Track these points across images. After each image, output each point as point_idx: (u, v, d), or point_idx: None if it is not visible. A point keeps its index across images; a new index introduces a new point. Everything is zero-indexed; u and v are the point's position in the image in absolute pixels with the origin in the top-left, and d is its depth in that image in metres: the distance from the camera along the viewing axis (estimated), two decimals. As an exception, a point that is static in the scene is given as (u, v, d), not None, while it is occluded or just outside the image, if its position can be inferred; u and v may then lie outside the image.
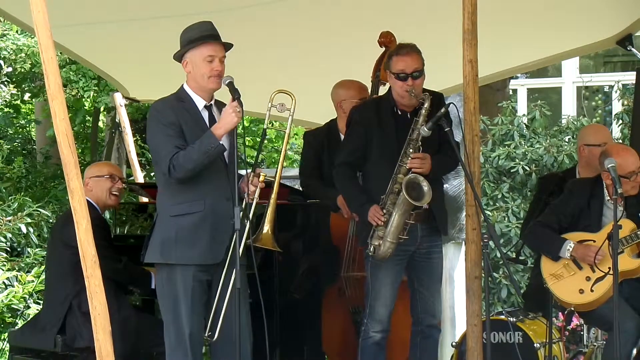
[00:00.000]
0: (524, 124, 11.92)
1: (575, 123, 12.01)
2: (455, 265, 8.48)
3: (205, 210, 5.52)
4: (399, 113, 6.15)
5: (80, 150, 16.68)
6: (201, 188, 5.53)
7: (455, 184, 7.99)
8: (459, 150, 5.94)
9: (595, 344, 7.19)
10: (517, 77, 15.68)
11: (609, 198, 6.31)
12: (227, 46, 5.65)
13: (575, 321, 8.48)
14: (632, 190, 6.23)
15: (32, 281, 9.89)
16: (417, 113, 6.04)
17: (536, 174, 11.06)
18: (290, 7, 7.59)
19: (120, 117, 11.00)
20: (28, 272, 10.24)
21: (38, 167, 15.20)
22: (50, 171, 14.51)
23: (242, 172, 5.57)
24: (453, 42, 6.17)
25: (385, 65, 6.17)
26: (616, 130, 12.43)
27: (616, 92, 13.11)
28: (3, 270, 10.17)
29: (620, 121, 12.14)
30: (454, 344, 7.24)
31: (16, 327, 8.35)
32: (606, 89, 16.22)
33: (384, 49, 7.14)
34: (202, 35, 5.57)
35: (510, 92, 14.58)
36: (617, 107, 13.94)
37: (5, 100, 15.46)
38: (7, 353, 7.08)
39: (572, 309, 6.47)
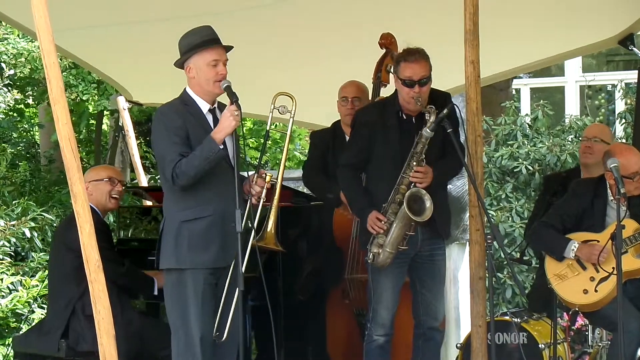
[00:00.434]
0: (527, 123, 11.92)
1: (578, 122, 11.99)
2: (460, 266, 8.47)
3: (214, 214, 5.54)
4: (404, 117, 6.13)
5: (84, 154, 16.69)
6: (208, 192, 5.55)
7: (458, 185, 7.98)
8: (464, 153, 5.92)
9: (600, 344, 7.19)
10: (520, 77, 15.67)
11: (612, 198, 6.30)
12: (227, 48, 5.65)
13: (580, 321, 8.47)
14: (635, 191, 6.22)
15: (37, 286, 9.89)
16: (422, 119, 6.01)
17: (539, 173, 11.06)
18: (292, 8, 7.59)
19: (124, 120, 11.00)
20: (32, 276, 10.24)
21: (42, 171, 15.20)
22: (54, 175, 14.51)
23: (244, 173, 5.58)
24: (455, 43, 6.17)
25: (393, 69, 6.14)
26: (619, 130, 12.42)
27: (619, 91, 13.10)
28: (7, 274, 10.17)
29: (623, 120, 12.13)
30: (458, 345, 7.24)
31: (20, 332, 8.35)
32: (609, 88, 16.22)
33: (384, 50, 7.14)
34: (204, 40, 5.58)
35: (514, 92, 14.59)
36: (620, 106, 13.93)
37: (9, 105, 15.47)
38: (12, 358, 7.08)
39: (577, 309, 6.47)
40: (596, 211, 6.38)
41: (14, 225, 10.70)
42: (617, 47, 8.27)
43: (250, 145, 17.18)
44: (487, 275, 5.91)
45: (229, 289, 5.53)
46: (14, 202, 11.85)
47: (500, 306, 10.20)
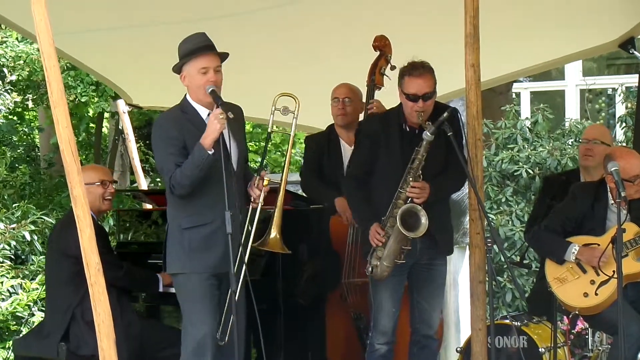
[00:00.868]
0: (527, 127, 11.91)
1: (578, 126, 11.99)
2: (460, 269, 8.48)
3: (216, 220, 5.54)
4: (407, 129, 6.12)
5: (83, 157, 16.68)
6: (209, 198, 5.57)
7: (459, 188, 7.98)
8: (467, 163, 5.89)
9: (600, 347, 7.18)
10: (520, 81, 15.67)
11: (613, 202, 6.30)
12: (224, 56, 5.65)
13: (580, 325, 8.47)
14: (636, 194, 6.22)
15: (37, 289, 9.88)
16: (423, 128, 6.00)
17: (540, 177, 11.05)
18: (294, 11, 7.60)
19: (124, 124, 11.01)
20: (32, 279, 10.22)
21: (42, 174, 15.19)
22: (54, 179, 14.50)
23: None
24: (455, 46, 6.17)
25: (398, 83, 6.13)
26: (619, 133, 12.42)
27: (619, 95, 13.10)
28: (7, 278, 10.15)
29: (624, 124, 12.12)
30: (458, 349, 7.23)
31: (20, 335, 8.34)
32: (609, 91, 16.22)
33: (378, 52, 7.15)
34: (195, 47, 5.59)
35: (514, 96, 14.59)
36: (620, 109, 13.92)
37: (9, 108, 15.46)
38: (12, 361, 7.08)
39: (577, 312, 6.46)
40: (597, 215, 6.38)
41: (13, 229, 10.69)
42: (617, 51, 8.27)
43: (250, 149, 17.18)
44: (487, 278, 5.90)
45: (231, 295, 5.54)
46: (13, 205, 11.83)
47: (500, 310, 10.20)
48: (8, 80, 14.27)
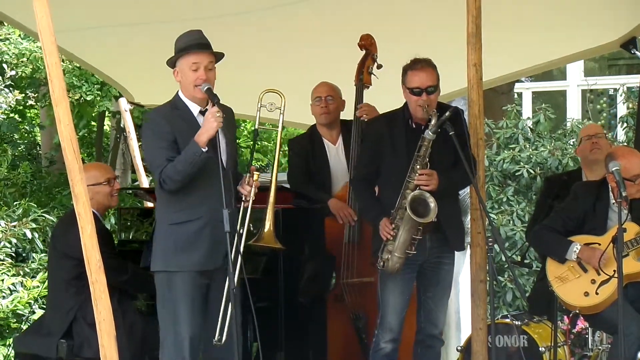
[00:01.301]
0: (529, 127, 11.92)
1: (580, 126, 11.99)
2: (460, 269, 8.48)
3: (204, 216, 5.54)
4: (413, 126, 6.10)
5: (85, 155, 16.69)
6: (198, 195, 5.55)
7: (460, 188, 7.98)
8: (473, 163, 5.88)
9: (600, 347, 7.18)
10: (522, 81, 15.67)
11: (614, 201, 6.30)
12: (219, 56, 5.65)
13: (581, 324, 8.47)
14: (637, 194, 6.22)
15: (37, 287, 9.89)
16: (427, 126, 6.00)
17: (541, 177, 11.05)
18: (298, 10, 7.61)
19: (125, 122, 11.00)
20: (33, 277, 10.24)
21: (43, 172, 15.21)
22: (55, 177, 14.52)
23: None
24: (457, 46, 6.17)
25: (401, 80, 6.13)
26: (621, 134, 12.43)
27: (621, 95, 13.11)
28: (8, 275, 10.16)
29: (625, 124, 12.14)
30: (459, 347, 7.23)
31: (21, 332, 8.34)
32: (611, 92, 16.22)
33: (364, 51, 7.15)
34: (188, 44, 5.59)
35: (515, 96, 14.59)
36: (622, 110, 13.93)
37: (10, 106, 15.48)
38: (13, 359, 7.07)
39: (577, 311, 6.47)
40: (598, 214, 6.38)
41: (15, 226, 10.70)
42: (619, 51, 8.28)
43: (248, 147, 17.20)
44: (487, 278, 5.90)
45: (222, 291, 5.51)
46: (15, 203, 11.85)
47: (500, 309, 10.20)
48: (8, 76, 14.28)
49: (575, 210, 6.43)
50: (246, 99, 6.28)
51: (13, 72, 14.53)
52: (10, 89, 15.25)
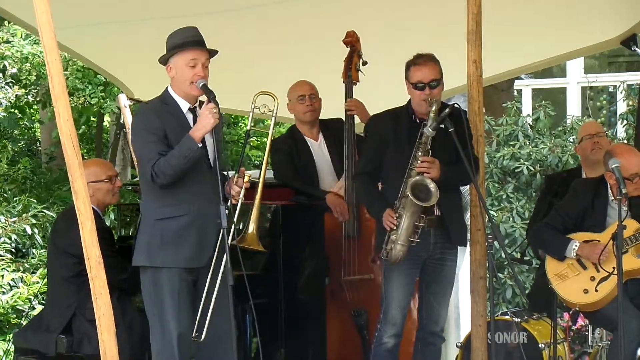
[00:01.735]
0: (529, 124, 11.92)
1: (580, 123, 12.00)
2: (460, 265, 8.48)
3: (191, 213, 5.52)
4: (417, 122, 6.10)
5: (85, 151, 16.68)
6: (186, 191, 5.52)
7: (459, 184, 7.99)
8: (472, 161, 5.88)
9: (600, 344, 7.18)
10: (522, 78, 15.67)
11: (613, 198, 6.30)
12: (212, 53, 5.64)
13: (580, 321, 8.47)
14: (635, 192, 6.21)
15: (37, 282, 9.89)
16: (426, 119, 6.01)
17: (541, 174, 11.06)
18: (295, 7, 7.61)
19: (125, 118, 10.98)
20: (33, 273, 10.24)
21: (43, 168, 15.21)
22: (55, 172, 14.52)
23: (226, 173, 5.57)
24: (457, 43, 6.18)
25: (404, 75, 6.14)
26: (621, 131, 12.44)
27: (621, 92, 13.11)
28: (8, 271, 10.17)
29: (625, 121, 12.14)
30: (458, 344, 7.24)
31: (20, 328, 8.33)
32: (611, 89, 16.22)
33: (349, 48, 7.16)
34: (185, 41, 5.57)
35: (515, 93, 14.59)
36: (622, 107, 13.93)
37: (10, 102, 15.47)
38: (13, 354, 7.07)
39: (577, 309, 6.47)
40: (597, 211, 6.38)
41: (14, 222, 10.70)
42: (619, 48, 8.28)
43: (252, 145, 17.18)
44: (487, 275, 5.91)
45: (210, 288, 5.49)
46: (14, 199, 11.85)
47: (500, 306, 10.20)
48: (9, 74, 14.28)
49: (574, 207, 6.44)
50: (240, 95, 6.29)
51: (14, 70, 14.51)
52: (11, 84, 15.24)
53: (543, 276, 6.54)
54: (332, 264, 6.95)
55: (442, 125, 5.87)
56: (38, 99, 15.40)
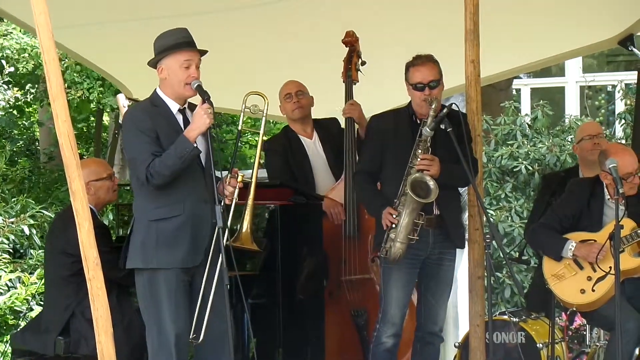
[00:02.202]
0: (527, 123, 11.93)
1: (578, 123, 11.99)
2: (459, 265, 8.48)
3: (184, 213, 5.51)
4: (417, 122, 6.10)
5: (84, 150, 16.68)
6: (179, 191, 5.51)
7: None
8: (470, 162, 5.88)
9: (597, 344, 7.19)
10: (520, 77, 15.67)
11: (609, 197, 6.31)
12: (202, 52, 5.64)
13: (578, 321, 8.48)
14: (630, 191, 6.22)
15: (35, 283, 9.88)
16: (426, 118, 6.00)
17: (539, 173, 11.07)
18: (289, 6, 7.62)
19: (123, 118, 10.99)
20: (31, 273, 10.22)
21: (41, 168, 15.20)
22: (53, 173, 14.51)
23: (220, 173, 5.56)
24: (455, 42, 6.18)
25: (404, 77, 6.14)
26: (619, 130, 12.43)
27: (619, 91, 13.10)
28: (5, 272, 10.15)
29: (623, 121, 12.14)
30: (457, 344, 7.24)
31: (18, 329, 8.32)
32: (609, 88, 16.22)
33: (348, 48, 7.16)
34: (178, 42, 5.57)
35: (514, 92, 14.59)
36: (620, 106, 13.93)
37: (9, 102, 15.47)
38: (10, 355, 7.06)
39: (574, 309, 6.47)
40: (593, 211, 6.39)
41: (12, 223, 10.69)
42: (617, 48, 8.28)
43: (251, 144, 17.19)
44: (485, 274, 5.91)
45: (206, 288, 5.49)
46: (12, 199, 11.84)
47: (498, 305, 10.21)
48: (7, 72, 14.27)
49: (571, 207, 6.44)
50: (241, 95, 6.29)
51: (12, 69, 14.51)
52: (9, 85, 15.23)
53: (541, 276, 6.54)
54: (331, 264, 6.95)
55: (442, 126, 5.88)
56: (36, 96, 15.40)
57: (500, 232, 10.45)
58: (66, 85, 13.78)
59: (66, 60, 13.82)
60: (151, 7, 7.53)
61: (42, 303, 9.14)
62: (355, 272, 6.86)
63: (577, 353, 7.94)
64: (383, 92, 7.71)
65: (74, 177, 4.91)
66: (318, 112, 7.39)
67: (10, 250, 10.70)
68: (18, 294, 9.84)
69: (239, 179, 5.55)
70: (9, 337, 7.92)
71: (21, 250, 10.99)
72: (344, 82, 7.17)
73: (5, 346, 8.40)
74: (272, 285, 6.62)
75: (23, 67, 14.63)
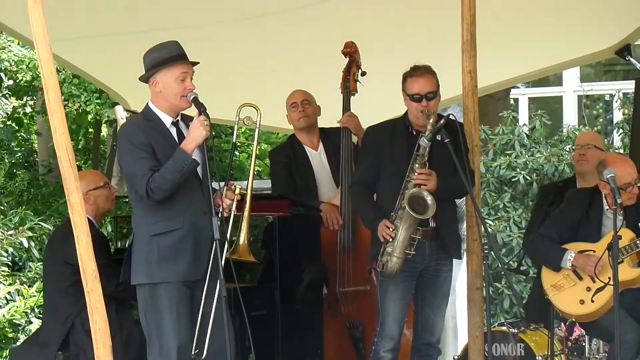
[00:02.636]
0: (525, 133, 11.93)
1: (576, 132, 12.01)
2: (457, 275, 8.47)
3: (185, 226, 5.51)
4: (414, 133, 6.11)
5: (82, 162, 16.68)
6: (178, 204, 5.51)
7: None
8: (464, 166, 5.88)
9: (597, 356, 7.17)
10: (518, 87, 15.68)
11: (608, 208, 6.31)
12: (194, 64, 5.66)
13: (578, 332, 8.46)
14: (628, 201, 6.22)
15: (34, 296, 9.87)
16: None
17: (537, 183, 11.07)
18: (294, 16, 7.63)
19: (121, 130, 10.99)
20: (30, 286, 10.22)
21: (40, 180, 15.21)
22: (52, 185, 14.51)
23: (215, 184, 5.56)
24: (453, 53, 6.18)
25: (401, 87, 6.14)
26: (617, 139, 12.44)
27: (617, 101, 13.11)
28: (4, 284, 10.15)
29: (621, 130, 12.15)
30: (456, 357, 7.23)
31: (17, 343, 8.32)
32: (607, 97, 16.23)
33: (348, 58, 7.16)
34: (172, 55, 5.58)
35: (512, 102, 14.60)
36: (617, 115, 13.94)
37: (7, 113, 15.47)
38: (9, 370, 7.06)
39: (574, 319, 6.46)
40: (592, 221, 6.38)
41: (11, 235, 10.69)
42: (615, 57, 8.29)
43: (249, 153, 17.19)
44: (484, 285, 5.90)
45: (207, 301, 5.50)
46: (11, 211, 11.84)
47: (498, 316, 10.20)
48: (5, 85, 14.28)
49: (569, 217, 6.44)
50: (230, 106, 6.30)
51: (10, 82, 14.52)
52: (7, 96, 15.24)
53: (540, 286, 6.54)
54: (330, 276, 6.95)
55: (438, 137, 5.88)
56: (37, 109, 15.40)
57: (498, 242, 10.45)
58: (63, 97, 13.78)
59: (63, 72, 13.84)
60: (149, 20, 7.54)
61: (41, 316, 9.14)
62: (350, 284, 6.84)
63: (576, 365, 7.94)
64: (380, 103, 7.72)
65: (72, 190, 4.91)
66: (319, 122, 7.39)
67: (9, 263, 10.70)
68: (17, 306, 9.84)
69: (237, 191, 5.56)
70: (7, 351, 7.90)
71: (20, 263, 10.99)
72: (341, 92, 7.17)
73: (5, 361, 8.40)
74: (271, 297, 6.61)
75: (22, 77, 14.64)
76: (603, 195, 6.35)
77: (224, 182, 5.65)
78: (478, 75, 6.04)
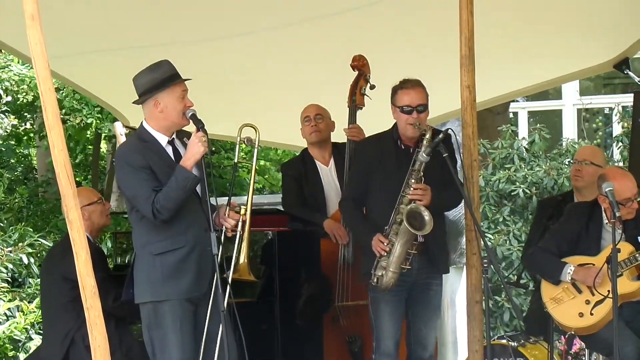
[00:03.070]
0: (524, 147, 11.94)
1: (575, 146, 12.02)
2: (457, 289, 8.47)
3: (187, 244, 5.52)
4: (402, 147, 6.13)
5: (82, 178, 16.68)
6: (180, 222, 5.51)
7: (456, 208, 7.99)
8: (462, 184, 5.90)
9: (597, 369, 7.17)
10: (517, 100, 15.69)
11: (607, 221, 6.31)
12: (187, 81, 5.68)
13: (577, 345, 8.46)
14: (628, 215, 6.22)
15: (34, 312, 9.86)
16: (419, 145, 6.01)
17: (537, 197, 11.07)
18: (290, 34, 7.63)
19: (121, 146, 10.99)
20: (30, 302, 10.21)
21: (39, 196, 15.21)
22: (51, 201, 14.51)
23: (213, 200, 5.56)
24: (451, 67, 6.19)
25: (390, 100, 6.15)
26: (616, 153, 12.44)
27: (616, 114, 13.12)
28: (4, 301, 10.14)
29: (620, 143, 12.15)
30: (456, 371, 7.23)
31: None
32: (606, 111, 16.24)
33: (357, 72, 7.17)
34: (171, 75, 5.58)
35: (511, 115, 14.61)
36: (617, 129, 13.95)
37: (7, 131, 15.49)
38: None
39: (573, 332, 6.46)
40: (591, 234, 6.38)
41: (11, 251, 10.68)
42: (613, 71, 8.29)
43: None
44: (483, 299, 5.90)
45: (211, 318, 5.49)
46: (11, 227, 11.84)
47: (498, 329, 10.20)
48: (4, 102, 14.30)
49: (569, 231, 6.44)
50: (230, 122, 6.32)
51: (9, 98, 14.53)
52: (7, 114, 15.26)
53: (540, 299, 6.53)
54: (332, 290, 6.95)
55: (433, 151, 5.90)
56: (36, 128, 15.41)
57: (498, 256, 10.45)
58: (64, 112, 13.81)
59: (66, 88, 13.85)
60: (148, 35, 7.55)
61: (41, 332, 9.13)
62: (350, 298, 6.84)
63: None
64: (379, 117, 7.73)
65: (70, 207, 4.90)
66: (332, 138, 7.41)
67: (9, 279, 10.70)
68: (17, 322, 9.83)
69: (242, 211, 5.57)
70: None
71: (19, 279, 10.98)
72: (348, 106, 7.17)
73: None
74: (271, 312, 6.61)
75: (23, 97, 14.65)
76: (602, 209, 6.36)
77: (225, 200, 5.66)
78: (477, 89, 6.04)
